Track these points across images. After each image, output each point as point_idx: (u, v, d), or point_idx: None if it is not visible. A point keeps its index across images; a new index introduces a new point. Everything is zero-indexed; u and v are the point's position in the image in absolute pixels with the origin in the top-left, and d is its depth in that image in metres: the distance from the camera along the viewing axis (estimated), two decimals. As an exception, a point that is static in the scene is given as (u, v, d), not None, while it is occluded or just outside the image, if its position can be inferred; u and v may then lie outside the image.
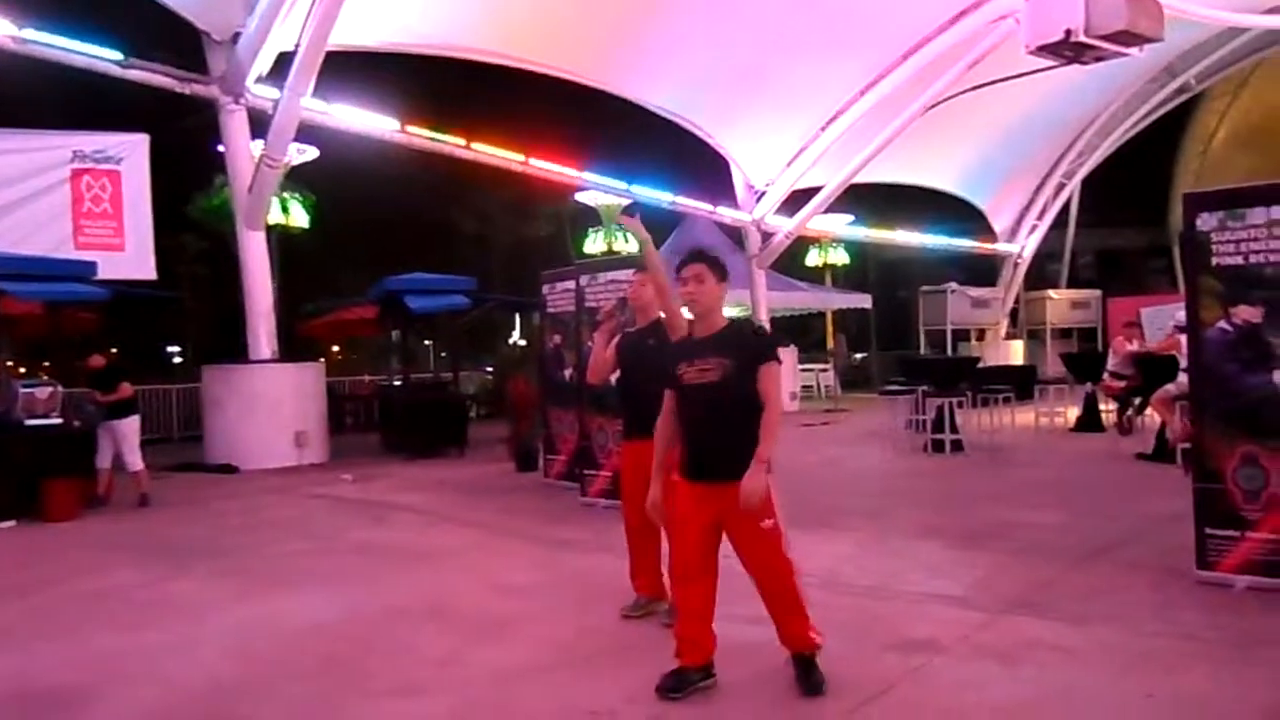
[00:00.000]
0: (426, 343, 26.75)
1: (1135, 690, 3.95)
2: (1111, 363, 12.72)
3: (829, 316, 26.76)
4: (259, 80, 12.27)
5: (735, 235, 20.32)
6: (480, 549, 7.29)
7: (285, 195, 17.28)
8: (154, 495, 9.62)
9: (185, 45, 12.61)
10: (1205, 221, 5.39)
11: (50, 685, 4.39)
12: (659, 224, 22.55)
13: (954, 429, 11.76)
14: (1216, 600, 5.08)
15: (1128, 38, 10.85)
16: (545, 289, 10.14)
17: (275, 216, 16.46)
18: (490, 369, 23.69)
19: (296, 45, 11.56)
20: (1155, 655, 4.33)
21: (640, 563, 5.13)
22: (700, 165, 20.11)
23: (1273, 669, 4.13)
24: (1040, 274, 27.75)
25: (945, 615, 5.06)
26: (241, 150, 12.73)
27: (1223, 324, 5.35)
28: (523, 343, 30.29)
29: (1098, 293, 25.95)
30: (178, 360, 34.53)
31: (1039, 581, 5.67)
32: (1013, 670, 4.22)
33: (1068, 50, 11.14)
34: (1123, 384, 12.22)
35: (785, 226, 19.66)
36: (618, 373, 5.23)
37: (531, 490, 10.06)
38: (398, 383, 17.95)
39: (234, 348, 15.23)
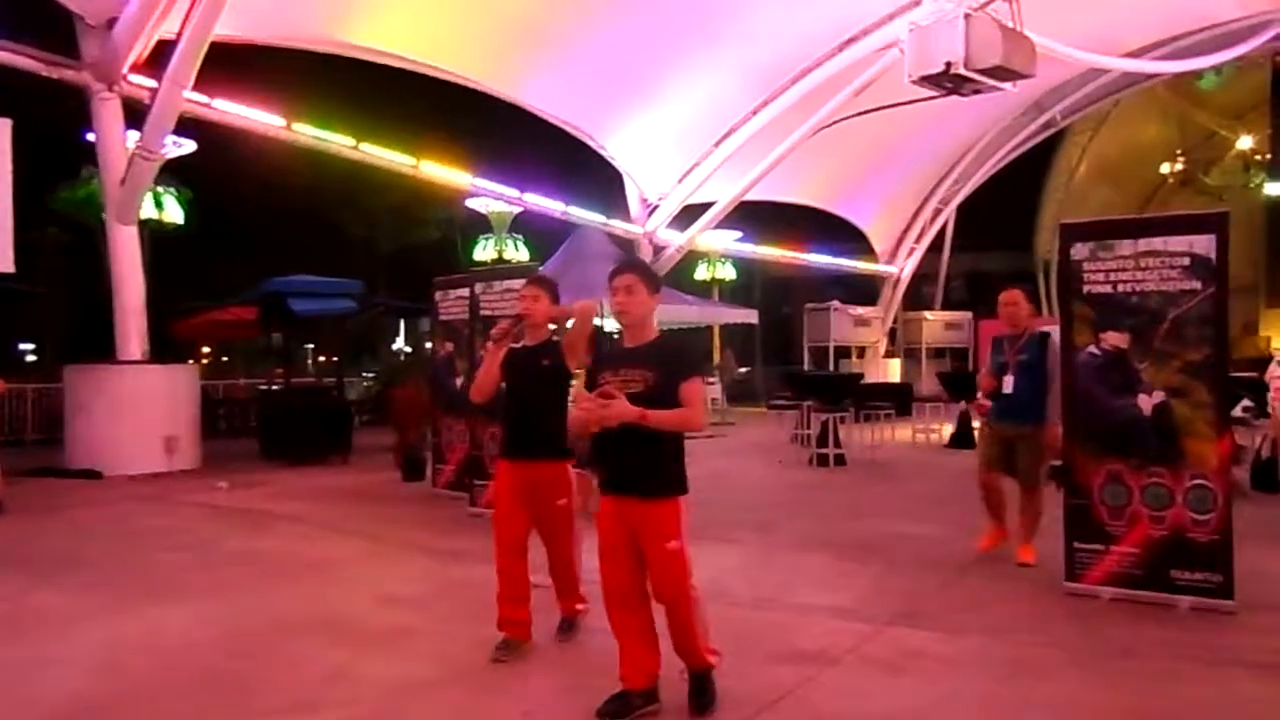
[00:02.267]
0: (307, 346, 25.98)
1: (1013, 698, 4.13)
2: (984, 382, 13.29)
3: (716, 331, 27.15)
4: (134, 68, 11.72)
5: (627, 247, 20.43)
6: (367, 559, 7.11)
7: (160, 190, 16.49)
8: (9, 501, 9.03)
9: (54, 27, 11.93)
10: (1078, 251, 5.71)
11: (-104, 708, 4.08)
12: (551, 234, 22.52)
13: (838, 443, 12.09)
14: (1085, 611, 5.35)
15: (1003, 72, 11.39)
16: (438, 295, 9.96)
17: (148, 211, 15.70)
18: (372, 375, 23.14)
19: (179, 34, 11.09)
20: (1030, 664, 4.54)
21: (508, 591, 4.71)
22: (594, 177, 20.19)
23: (1137, 677, 4.38)
24: (916, 295, 28.83)
25: (833, 627, 5.17)
26: (114, 141, 12.12)
27: (1092, 348, 5.66)
28: (408, 349, 29.74)
29: (969, 315, 27.14)
30: (31, 359, 32.54)
31: (921, 593, 5.87)
32: (899, 680, 4.36)
33: (948, 81, 11.60)
34: (993, 403, 12.77)
35: (677, 240, 19.89)
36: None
37: (419, 500, 9.86)
38: (277, 387, 17.36)
39: (96, 346, 14.44)
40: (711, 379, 24.13)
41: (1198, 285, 5.32)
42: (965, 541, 7.20)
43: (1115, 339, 5.57)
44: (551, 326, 4.93)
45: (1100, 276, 5.62)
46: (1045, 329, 6.61)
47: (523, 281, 8.47)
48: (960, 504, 9.32)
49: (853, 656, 4.68)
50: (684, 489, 3.85)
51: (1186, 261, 5.35)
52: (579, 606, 4.92)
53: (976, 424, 13.96)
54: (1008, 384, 6.42)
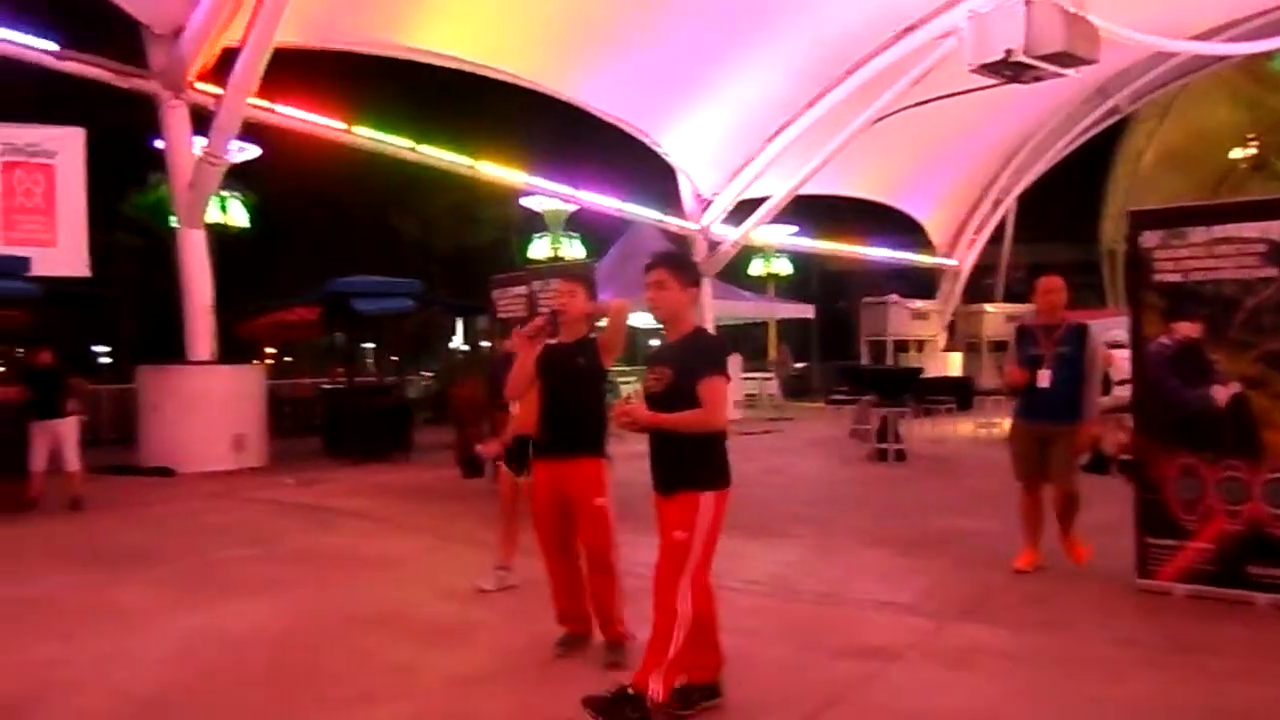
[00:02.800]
0: (365, 346, 26.37)
1: (1083, 695, 4.05)
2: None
3: (772, 326, 27.01)
4: (200, 76, 12.02)
5: (682, 244, 20.42)
6: (429, 555, 7.22)
7: (224, 194, 16.89)
8: (87, 498, 9.32)
9: (124, 37, 12.28)
10: (1148, 239, 5.57)
11: (-12, 695, 4.24)
12: (606, 231, 22.63)
13: (898, 439, 11.95)
14: (1157, 607, 5.23)
15: (1065, 59, 11.13)
16: (496, 294, 10.07)
17: (214, 215, 16.09)
18: (430, 374, 23.43)
19: (242, 41, 11.35)
20: (1100, 661, 4.45)
21: (562, 589, 4.73)
22: (648, 173, 20.20)
23: (1212, 675, 4.27)
24: (976, 288, 28.35)
25: (895, 622, 5.13)
26: (182, 147, 12.41)
27: (1163, 339, 5.52)
28: (465, 348, 30.04)
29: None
30: (105, 360, 33.53)
31: (985, 589, 5.78)
32: (965, 676, 4.31)
33: (1008, 70, 11.38)
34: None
35: (731, 235, 19.82)
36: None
37: (479, 497, 9.91)
38: (339, 386, 17.66)
39: (165, 348, 14.79)
40: (768, 374, 24.05)
41: (1275, 272, 5.16)
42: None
43: (1187, 329, 5.43)
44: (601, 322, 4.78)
45: (1171, 265, 5.49)
46: (1084, 321, 6.32)
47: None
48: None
49: (916, 652, 4.63)
50: (710, 484, 3.74)
51: (1263, 248, 5.20)
52: (620, 630, 4.54)
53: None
54: (1044, 378, 5.88)
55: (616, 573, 4.58)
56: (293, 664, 4.61)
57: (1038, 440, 5.99)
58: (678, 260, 4.04)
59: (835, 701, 4.01)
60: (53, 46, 11.32)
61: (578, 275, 4.90)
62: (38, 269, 11.22)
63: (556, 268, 13.87)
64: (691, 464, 3.74)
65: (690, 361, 3.75)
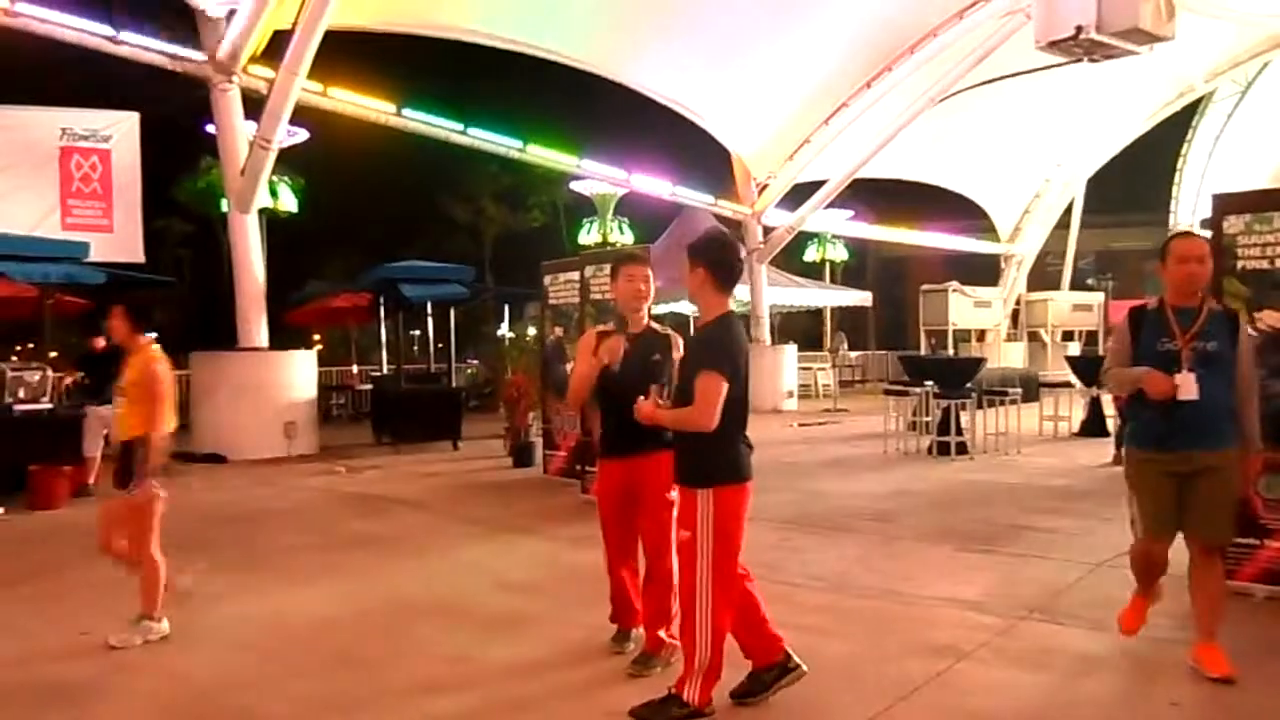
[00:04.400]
0: (413, 332, 26.49)
1: (1159, 698, 3.89)
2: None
3: (827, 313, 26.63)
4: (253, 59, 12.04)
5: (735, 228, 20.16)
6: (482, 544, 7.14)
7: (274, 178, 16.98)
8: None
9: (176, 21, 12.32)
10: (1232, 224, 5.28)
11: (52, 676, 4.29)
12: (657, 216, 22.44)
13: (959, 431, 11.61)
14: (1237, 609, 4.90)
15: (1139, 36, 10.71)
16: (547, 279, 9.94)
17: (263, 200, 16.19)
18: (475, 360, 23.38)
19: (294, 24, 11.33)
20: (1176, 664, 4.22)
21: (619, 592, 4.59)
22: (701, 157, 19.95)
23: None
24: (1040, 274, 27.62)
25: (963, 620, 4.95)
26: (234, 131, 12.42)
27: (1247, 329, 5.21)
28: (511, 335, 30.09)
29: (1100, 295, 25.80)
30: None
31: (1055, 587, 5.56)
32: (1037, 676, 4.16)
33: (1078, 47, 10.98)
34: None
35: (785, 220, 19.49)
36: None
37: (530, 486, 9.90)
38: (388, 372, 17.69)
39: (214, 334, 14.87)
40: (824, 364, 23.69)
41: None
42: (1099, 535, 6.81)
43: (1274, 318, 5.14)
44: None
45: (1256, 251, 5.22)
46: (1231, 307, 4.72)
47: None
48: (1093, 496, 8.86)
49: (986, 651, 4.46)
50: (705, 482, 3.62)
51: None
52: (668, 640, 4.23)
53: (1110, 411, 12.90)
54: (1188, 386, 3.93)
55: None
56: (351, 652, 4.58)
57: (1177, 477, 4.05)
58: (694, 242, 3.84)
59: (902, 700, 3.87)
60: (109, 31, 11.40)
61: (646, 259, 4.63)
62: (94, 255, 11.32)
63: (611, 253, 13.71)
64: (688, 459, 3.72)
65: (692, 353, 3.77)
